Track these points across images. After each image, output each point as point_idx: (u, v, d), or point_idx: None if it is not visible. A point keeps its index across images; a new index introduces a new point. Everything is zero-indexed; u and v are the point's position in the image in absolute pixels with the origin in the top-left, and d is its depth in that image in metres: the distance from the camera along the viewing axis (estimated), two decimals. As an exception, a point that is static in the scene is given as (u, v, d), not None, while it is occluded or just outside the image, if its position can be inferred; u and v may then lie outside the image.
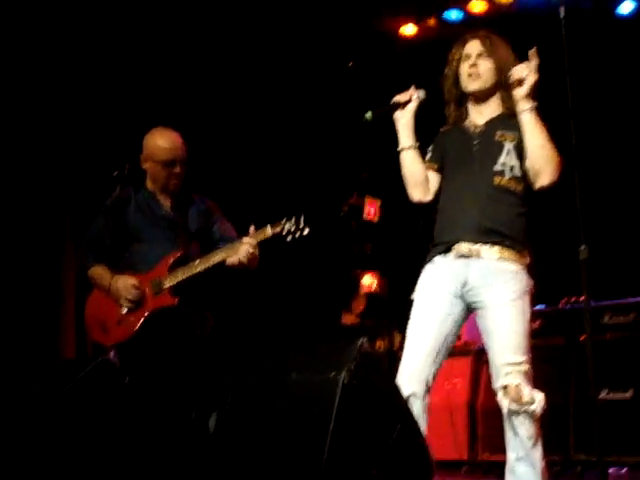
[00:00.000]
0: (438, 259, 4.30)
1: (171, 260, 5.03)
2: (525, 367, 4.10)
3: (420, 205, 4.49)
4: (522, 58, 4.42)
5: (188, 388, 4.91)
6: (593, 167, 5.62)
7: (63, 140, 7.54)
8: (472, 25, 7.56)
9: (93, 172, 7.52)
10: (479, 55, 4.35)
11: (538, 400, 4.08)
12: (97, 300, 5.14)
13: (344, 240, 9.24)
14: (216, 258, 4.98)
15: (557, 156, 4.19)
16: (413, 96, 4.41)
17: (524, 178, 4.25)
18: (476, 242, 4.21)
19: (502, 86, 4.33)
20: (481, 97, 4.39)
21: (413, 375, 4.16)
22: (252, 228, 4.98)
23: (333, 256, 9.02)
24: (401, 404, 3.48)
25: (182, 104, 7.62)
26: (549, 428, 5.88)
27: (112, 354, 5.12)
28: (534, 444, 4.08)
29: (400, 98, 4.43)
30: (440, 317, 4.22)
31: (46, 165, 7.38)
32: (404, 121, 4.43)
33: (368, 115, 4.39)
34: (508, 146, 4.27)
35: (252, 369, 3.64)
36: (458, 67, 4.41)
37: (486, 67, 4.33)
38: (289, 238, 4.97)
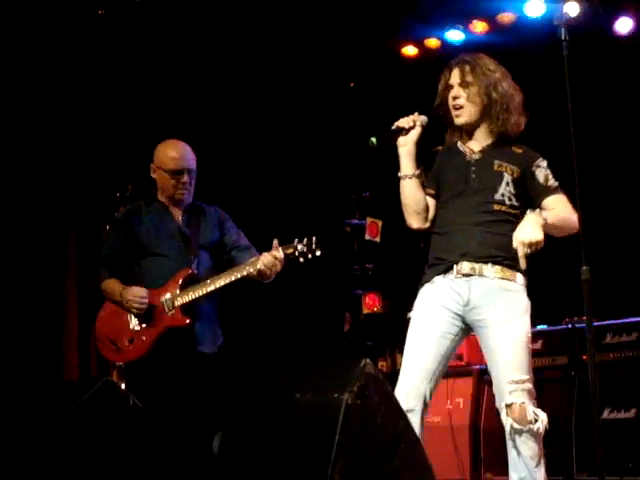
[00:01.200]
0: (438, 279, 4.31)
1: (182, 277, 5.03)
2: (529, 385, 4.10)
3: (418, 231, 4.50)
4: (521, 78, 4.46)
5: (193, 409, 4.91)
6: (595, 189, 5.63)
7: (67, 158, 7.55)
8: (474, 46, 7.61)
9: (97, 187, 7.55)
10: (459, 85, 4.37)
11: (541, 419, 4.08)
12: (108, 316, 5.14)
13: (346, 260, 9.24)
14: (228, 279, 4.98)
15: (574, 217, 4.19)
16: (417, 122, 4.41)
17: (522, 206, 4.27)
18: (477, 261, 4.23)
19: (491, 108, 4.35)
20: (471, 127, 4.42)
21: (410, 391, 4.17)
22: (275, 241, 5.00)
23: (335, 276, 9.02)
24: (404, 424, 3.48)
25: (189, 123, 7.65)
26: (551, 448, 5.90)
27: (116, 374, 5.12)
28: (537, 464, 4.07)
29: (403, 124, 4.43)
30: (438, 334, 4.23)
31: (49, 179, 7.38)
32: (406, 149, 4.43)
33: (373, 140, 4.38)
34: (507, 178, 4.29)
35: (255, 389, 3.64)
36: (446, 96, 4.43)
37: (467, 96, 4.34)
38: (301, 259, 4.98)
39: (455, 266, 4.26)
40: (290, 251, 4.95)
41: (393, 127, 4.44)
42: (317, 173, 8.78)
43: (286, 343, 8.12)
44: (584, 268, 3.98)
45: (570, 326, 6.61)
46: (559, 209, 4.24)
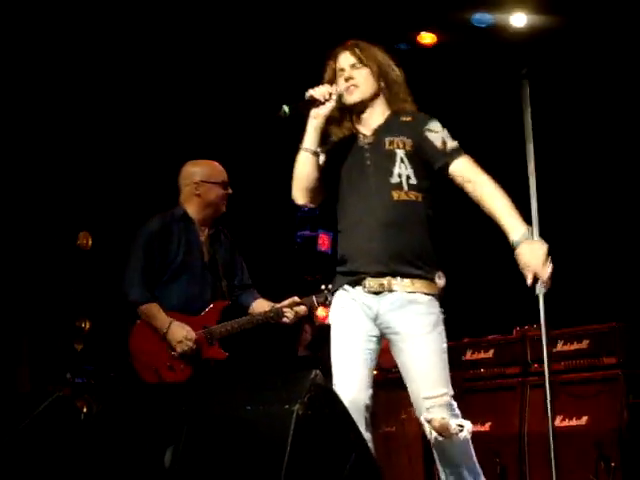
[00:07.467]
0: (348, 288, 4.17)
1: (220, 308, 4.98)
2: (446, 399, 4.01)
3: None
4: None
5: (144, 423, 4.87)
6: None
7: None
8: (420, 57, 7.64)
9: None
10: (352, 66, 4.23)
11: (466, 428, 4.01)
12: (144, 339, 5.04)
13: (298, 271, 9.23)
14: (261, 319, 5.05)
15: (487, 177, 4.10)
16: (332, 96, 4.18)
17: (423, 185, 4.14)
18: (384, 275, 4.08)
19: (384, 90, 4.24)
20: (364, 107, 4.26)
21: (350, 405, 4.00)
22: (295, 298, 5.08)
23: (287, 287, 8.99)
24: (356, 434, 3.47)
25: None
26: (505, 457, 5.92)
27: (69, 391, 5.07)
28: (468, 471, 4.03)
29: (317, 95, 4.17)
30: (362, 339, 4.11)
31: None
32: (316, 122, 4.17)
33: (285, 109, 4.12)
34: (400, 154, 4.13)
35: (206, 402, 3.62)
36: (335, 83, 4.26)
37: (362, 76, 4.22)
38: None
39: (364, 281, 4.11)
40: (322, 299, 5.05)
41: (307, 95, 4.18)
42: (267, 185, 8.75)
43: (238, 356, 8.07)
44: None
45: (521, 335, 6.64)
46: (479, 183, 4.08)
